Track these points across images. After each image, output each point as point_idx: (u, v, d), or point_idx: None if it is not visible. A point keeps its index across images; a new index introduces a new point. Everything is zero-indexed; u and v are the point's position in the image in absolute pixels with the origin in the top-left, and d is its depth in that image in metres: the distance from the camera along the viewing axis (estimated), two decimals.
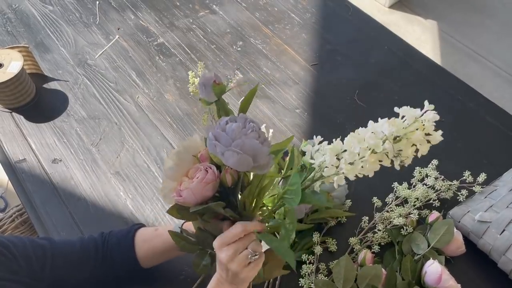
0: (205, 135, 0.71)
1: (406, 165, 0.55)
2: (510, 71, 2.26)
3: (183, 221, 0.77)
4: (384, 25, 1.32)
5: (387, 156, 0.55)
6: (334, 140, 0.58)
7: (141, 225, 0.83)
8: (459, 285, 0.77)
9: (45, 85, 1.17)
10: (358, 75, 1.18)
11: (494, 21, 2.51)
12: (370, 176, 0.57)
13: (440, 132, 0.55)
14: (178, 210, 0.64)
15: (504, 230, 0.81)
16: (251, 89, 0.68)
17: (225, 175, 0.62)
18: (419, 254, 0.84)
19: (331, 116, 1.09)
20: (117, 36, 1.29)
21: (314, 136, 0.62)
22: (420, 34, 2.44)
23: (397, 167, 0.55)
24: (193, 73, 0.72)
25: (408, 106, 0.56)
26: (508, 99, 2.13)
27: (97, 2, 1.38)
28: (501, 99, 2.12)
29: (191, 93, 0.72)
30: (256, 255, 0.61)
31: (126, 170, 1.01)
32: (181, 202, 0.62)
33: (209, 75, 0.68)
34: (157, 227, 0.81)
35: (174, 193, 0.63)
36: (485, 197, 0.88)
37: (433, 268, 0.78)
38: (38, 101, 1.14)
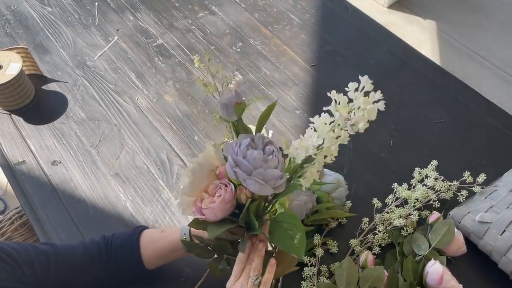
0: (211, 142, 0.71)
1: (362, 131, 0.58)
2: (509, 70, 2.26)
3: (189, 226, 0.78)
4: (383, 26, 1.32)
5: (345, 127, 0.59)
6: None
7: (145, 227, 0.83)
8: (461, 285, 0.77)
9: (44, 87, 1.17)
10: (357, 75, 1.17)
11: (492, 20, 2.51)
12: (334, 155, 0.61)
13: (382, 103, 0.58)
14: (199, 223, 0.66)
15: (504, 231, 0.81)
16: (269, 105, 0.68)
17: (240, 194, 0.64)
18: (420, 255, 0.84)
19: None
20: (116, 37, 1.28)
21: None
22: (419, 34, 2.44)
23: (352, 132, 0.59)
24: (198, 57, 0.72)
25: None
26: (507, 98, 2.13)
27: (96, 4, 1.38)
28: (500, 99, 2.13)
29: (203, 89, 0.72)
30: (258, 276, 0.62)
31: (126, 171, 1.01)
32: (203, 219, 0.64)
33: (231, 95, 0.68)
34: (163, 229, 0.82)
35: (193, 208, 0.65)
36: (485, 198, 0.88)
37: (435, 269, 0.77)
38: (37, 102, 1.13)
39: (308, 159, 0.62)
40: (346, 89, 0.59)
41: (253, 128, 0.74)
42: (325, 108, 0.61)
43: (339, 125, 0.59)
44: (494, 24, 2.49)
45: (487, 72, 2.27)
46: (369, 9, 2.56)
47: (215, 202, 0.62)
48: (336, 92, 0.60)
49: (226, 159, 0.70)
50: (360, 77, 0.59)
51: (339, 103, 0.59)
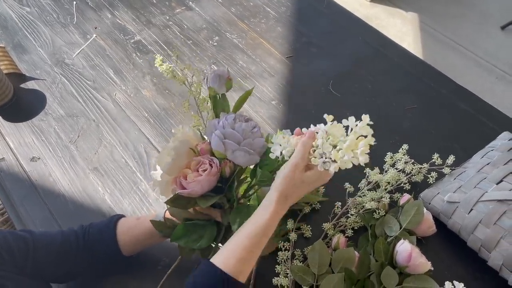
0: (195, 128, 0.75)
1: (332, 172, 0.62)
2: (490, 60, 2.29)
3: (164, 211, 0.80)
4: (366, 19, 1.34)
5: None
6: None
7: (121, 215, 0.84)
8: (430, 262, 0.79)
9: (22, 85, 1.18)
10: (332, 66, 1.20)
11: (474, 11, 2.54)
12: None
13: (366, 157, 0.61)
14: (174, 201, 0.69)
15: (472, 210, 0.83)
16: (246, 91, 0.73)
17: (224, 168, 0.67)
18: (392, 236, 0.85)
19: (306, 107, 1.11)
20: (94, 35, 1.30)
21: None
22: (401, 27, 2.47)
23: (320, 168, 0.63)
24: (161, 57, 0.75)
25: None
26: (489, 87, 2.16)
27: (74, 2, 1.39)
28: (482, 87, 2.16)
29: (167, 76, 0.75)
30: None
31: (104, 165, 1.03)
32: (186, 194, 0.66)
33: (223, 69, 0.73)
34: (139, 216, 0.83)
35: (174, 185, 0.68)
36: (455, 179, 0.90)
37: (404, 247, 0.79)
38: (16, 101, 1.14)
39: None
40: (345, 121, 0.62)
41: None
42: (314, 129, 0.65)
43: (314, 151, 0.62)
44: (476, 15, 2.52)
45: (470, 63, 2.30)
46: (352, 3, 2.59)
47: (202, 175, 0.65)
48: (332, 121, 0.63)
49: (203, 139, 0.73)
50: (363, 115, 0.62)
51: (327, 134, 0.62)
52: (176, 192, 0.68)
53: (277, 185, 0.64)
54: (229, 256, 0.62)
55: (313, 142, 0.63)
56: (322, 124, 0.64)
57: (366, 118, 0.61)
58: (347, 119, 0.62)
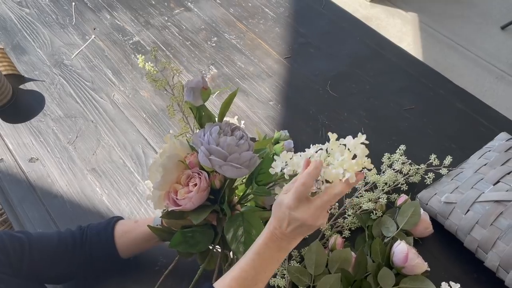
0: (183, 136, 0.74)
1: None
2: (490, 60, 2.29)
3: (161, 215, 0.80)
4: (366, 19, 1.34)
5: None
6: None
7: (120, 218, 0.84)
8: (426, 263, 0.79)
9: (21, 86, 1.18)
10: (330, 66, 1.20)
11: (474, 11, 2.54)
12: None
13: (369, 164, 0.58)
14: (170, 214, 0.70)
15: (468, 210, 0.83)
16: (230, 93, 0.71)
17: (214, 180, 0.67)
18: (389, 237, 0.85)
19: (304, 107, 1.11)
20: (93, 36, 1.30)
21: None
22: (401, 27, 2.47)
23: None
24: (143, 56, 0.74)
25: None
26: (488, 87, 2.16)
27: (73, 3, 1.39)
28: (482, 88, 2.16)
29: (152, 83, 0.74)
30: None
31: (102, 166, 1.03)
32: (179, 209, 0.66)
33: (198, 79, 0.69)
34: (137, 219, 0.83)
35: (167, 201, 0.67)
36: (452, 180, 0.90)
37: (400, 248, 0.79)
38: (15, 102, 1.15)
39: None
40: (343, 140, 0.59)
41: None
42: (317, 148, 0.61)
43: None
44: (475, 15, 2.52)
45: (469, 63, 2.30)
46: (352, 3, 2.59)
47: (192, 191, 0.64)
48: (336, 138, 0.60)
49: (192, 149, 0.72)
50: (359, 133, 0.58)
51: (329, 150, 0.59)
52: (169, 210, 0.68)
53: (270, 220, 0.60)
54: (232, 284, 0.61)
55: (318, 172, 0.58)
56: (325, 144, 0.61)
57: (362, 137, 0.58)
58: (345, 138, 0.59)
